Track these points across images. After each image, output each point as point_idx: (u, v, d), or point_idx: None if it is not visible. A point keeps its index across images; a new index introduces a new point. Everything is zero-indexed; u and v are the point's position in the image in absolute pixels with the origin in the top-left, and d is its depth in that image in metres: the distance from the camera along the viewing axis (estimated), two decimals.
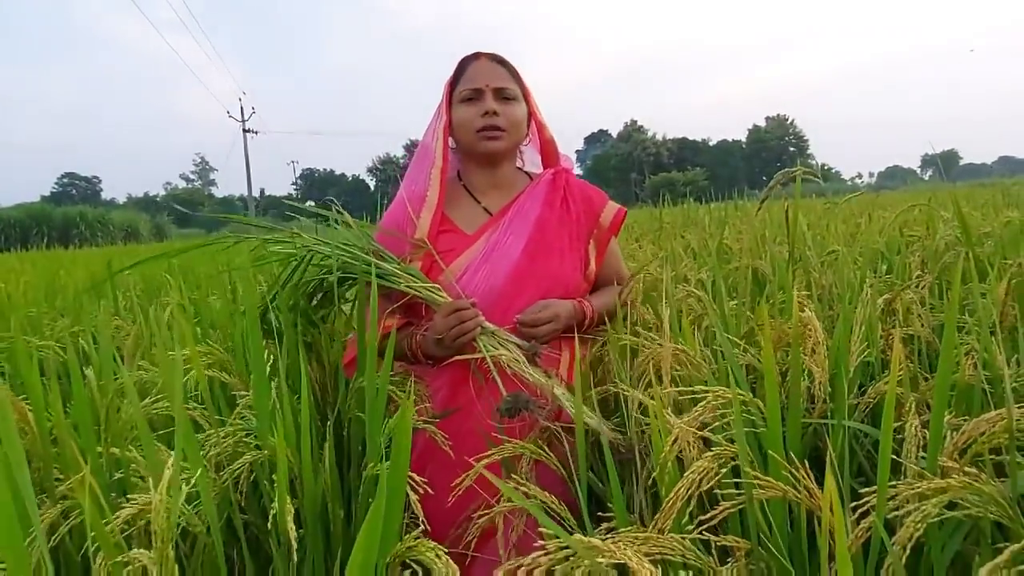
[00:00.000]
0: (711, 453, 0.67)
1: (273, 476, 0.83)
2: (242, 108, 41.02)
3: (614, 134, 72.82)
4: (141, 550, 0.64)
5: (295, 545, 0.76)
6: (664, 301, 1.16)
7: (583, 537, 0.55)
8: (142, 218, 32.76)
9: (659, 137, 68.24)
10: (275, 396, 0.98)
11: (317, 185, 76.45)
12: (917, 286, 1.63)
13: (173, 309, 1.59)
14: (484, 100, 1.30)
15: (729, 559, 0.63)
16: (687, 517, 0.67)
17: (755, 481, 0.63)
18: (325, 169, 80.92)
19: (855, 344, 1.09)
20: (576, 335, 1.27)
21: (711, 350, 1.19)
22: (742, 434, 0.66)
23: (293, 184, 76.26)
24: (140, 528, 0.79)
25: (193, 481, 0.75)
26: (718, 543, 0.65)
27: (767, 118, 72.62)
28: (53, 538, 0.80)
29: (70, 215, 26.73)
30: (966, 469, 0.65)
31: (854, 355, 1.08)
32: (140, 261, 1.34)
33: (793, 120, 71.35)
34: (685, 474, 0.65)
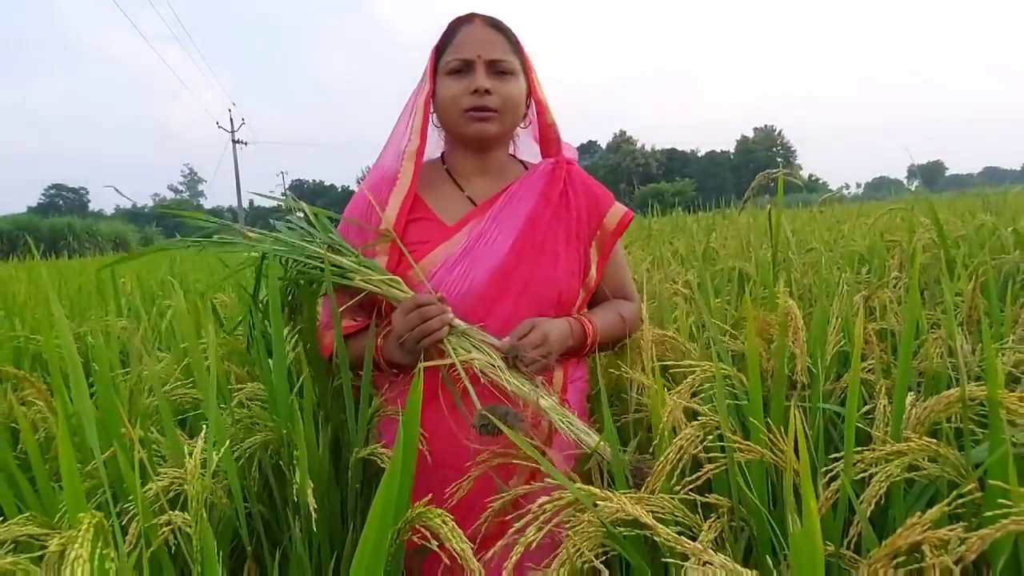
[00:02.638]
0: (697, 422, 0.74)
1: (293, 453, 0.89)
2: (231, 119, 41.02)
3: (603, 145, 73.38)
4: (177, 512, 0.70)
5: (315, 516, 0.82)
6: (648, 296, 1.23)
7: (584, 486, 0.62)
8: (130, 229, 32.70)
9: (648, 148, 68.82)
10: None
11: (306, 196, 76.49)
12: (895, 286, 1.72)
13: (178, 308, 1.65)
14: (474, 74, 1.09)
15: (712, 515, 0.70)
16: (676, 480, 0.73)
17: (736, 445, 0.69)
18: (315, 180, 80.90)
19: (831, 335, 1.17)
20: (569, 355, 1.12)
21: (699, 343, 1.27)
22: (723, 403, 0.73)
23: (283, 195, 76.17)
24: (165, 503, 0.85)
25: (220, 455, 0.81)
26: (702, 502, 0.71)
27: (755, 129, 73.44)
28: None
29: (58, 226, 26.66)
30: (924, 438, 0.72)
31: (830, 345, 1.16)
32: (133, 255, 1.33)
33: (781, 131, 72.21)
34: (674, 440, 0.72)
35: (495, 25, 1.14)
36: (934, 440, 0.71)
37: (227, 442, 0.81)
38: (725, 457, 0.72)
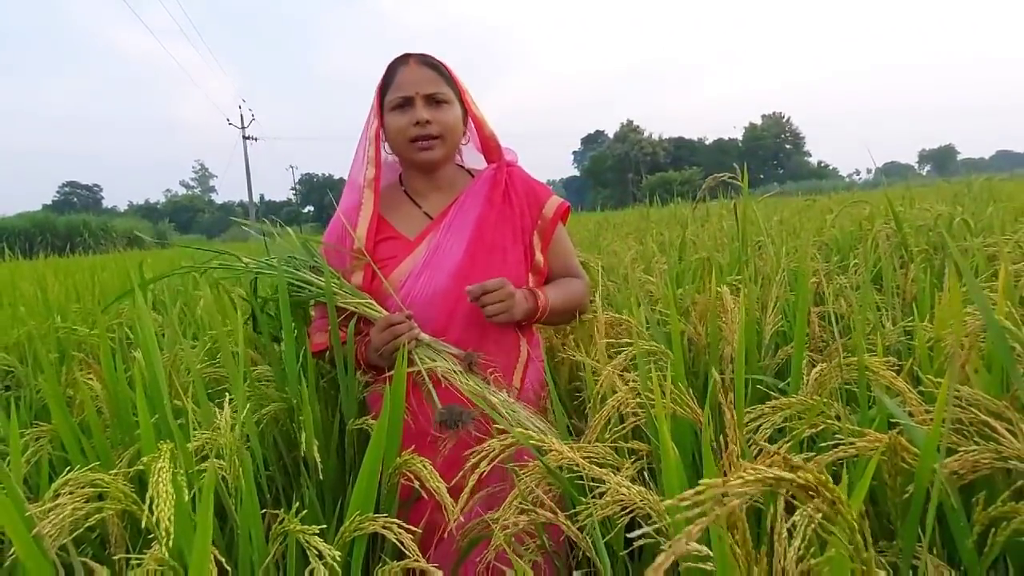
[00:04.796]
0: (627, 387, 0.92)
1: (300, 420, 1.08)
2: (241, 115, 41.41)
3: (611, 135, 73.17)
4: (214, 459, 0.89)
5: (320, 466, 1.01)
6: (614, 283, 1.40)
7: (523, 431, 0.80)
8: (144, 225, 33.20)
9: (655, 137, 68.54)
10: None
11: (316, 189, 76.78)
12: (855, 272, 1.89)
13: (205, 300, 1.85)
14: (415, 108, 1.27)
15: (633, 457, 0.88)
16: (610, 433, 0.91)
17: (650, 401, 0.87)
18: (324, 174, 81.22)
19: (770, 317, 1.34)
20: (526, 338, 1.32)
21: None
22: (644, 369, 0.91)
23: (292, 189, 76.70)
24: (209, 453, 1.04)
25: (243, 419, 0.99)
26: (627, 448, 0.89)
27: (763, 116, 72.89)
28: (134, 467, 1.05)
29: (73, 223, 27.12)
30: (813, 396, 0.89)
31: (769, 326, 1.33)
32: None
33: (789, 118, 71.62)
34: (608, 401, 0.90)
35: (427, 63, 1.31)
36: (819, 398, 0.88)
37: (247, 408, 1.00)
38: (645, 412, 0.90)
